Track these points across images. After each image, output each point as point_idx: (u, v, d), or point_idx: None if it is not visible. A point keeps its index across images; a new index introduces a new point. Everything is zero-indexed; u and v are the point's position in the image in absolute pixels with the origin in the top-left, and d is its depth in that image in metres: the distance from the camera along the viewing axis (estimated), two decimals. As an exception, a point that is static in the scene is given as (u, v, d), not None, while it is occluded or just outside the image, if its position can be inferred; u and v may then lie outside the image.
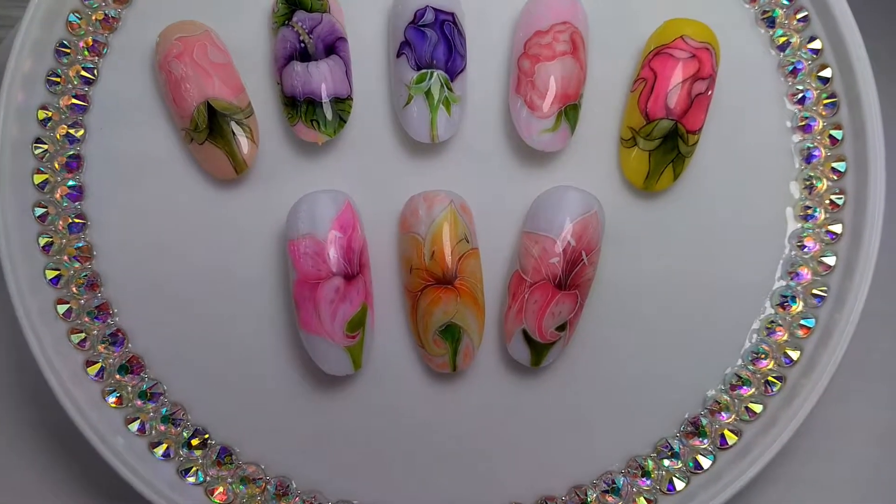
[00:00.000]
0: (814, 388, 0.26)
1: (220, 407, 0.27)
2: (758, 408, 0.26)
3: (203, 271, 0.27)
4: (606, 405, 0.27)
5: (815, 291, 0.27)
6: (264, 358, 0.27)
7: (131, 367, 0.27)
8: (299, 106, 0.26)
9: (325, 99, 0.26)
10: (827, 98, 0.28)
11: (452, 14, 0.26)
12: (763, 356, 0.27)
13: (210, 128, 0.26)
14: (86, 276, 0.27)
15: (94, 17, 0.28)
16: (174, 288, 0.27)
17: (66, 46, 0.27)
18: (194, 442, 0.26)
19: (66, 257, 0.27)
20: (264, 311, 0.27)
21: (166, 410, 0.27)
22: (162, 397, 0.27)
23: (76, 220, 0.27)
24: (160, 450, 0.26)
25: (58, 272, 0.27)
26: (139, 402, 0.27)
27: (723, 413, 0.27)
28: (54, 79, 0.27)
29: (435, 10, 0.26)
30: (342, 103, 0.26)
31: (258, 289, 0.27)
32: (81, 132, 0.27)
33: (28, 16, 0.27)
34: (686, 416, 0.27)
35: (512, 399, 0.27)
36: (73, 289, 0.27)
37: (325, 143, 0.26)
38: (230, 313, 0.27)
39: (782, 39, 0.28)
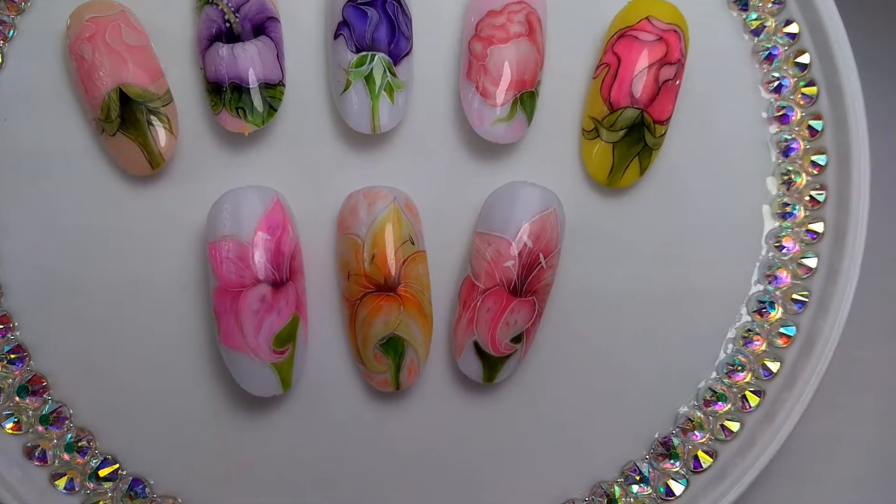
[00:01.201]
0: (796, 403, 0.25)
1: (132, 433, 0.26)
2: (734, 426, 0.26)
3: (115, 279, 0.26)
4: (567, 425, 0.26)
5: (795, 296, 0.26)
6: (182, 377, 0.26)
7: (33, 387, 0.25)
8: (224, 92, 0.25)
9: (252, 84, 0.25)
10: (805, 86, 0.27)
11: None
12: (740, 368, 0.26)
13: (123, 117, 0.25)
14: None
15: None
16: (83, 298, 0.26)
17: None
18: (103, 472, 0.25)
19: None
20: (183, 324, 0.26)
21: (71, 437, 0.25)
22: (67, 422, 0.25)
23: None
24: (63, 482, 0.25)
25: None
26: (41, 428, 0.25)
27: (696, 432, 0.26)
28: None
29: None
30: (272, 89, 0.25)
31: (176, 298, 0.26)
32: None
33: None
34: (656, 435, 0.26)
35: (462, 420, 0.26)
36: None
37: (253, 133, 0.25)
38: (145, 326, 0.26)
39: (756, 23, 0.27)
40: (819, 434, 0.30)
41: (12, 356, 0.25)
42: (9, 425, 0.25)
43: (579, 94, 0.27)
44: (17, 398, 0.25)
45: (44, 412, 0.25)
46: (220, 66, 0.25)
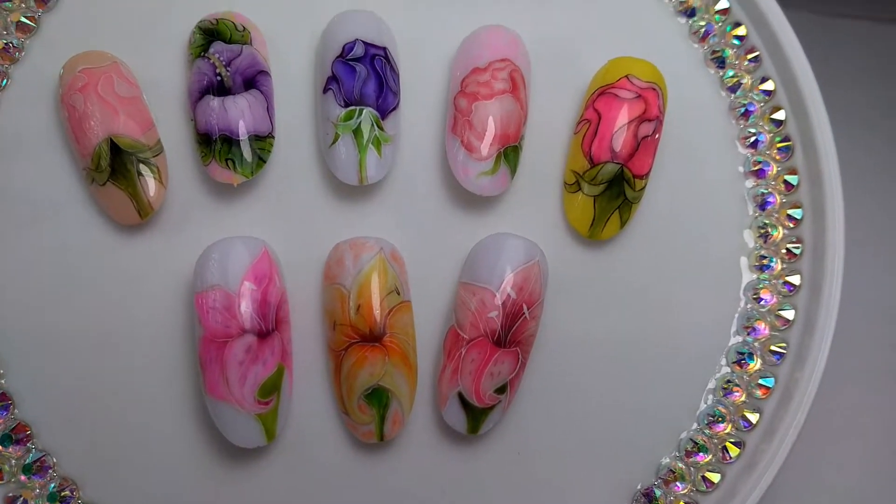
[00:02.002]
0: (776, 453, 0.25)
1: (116, 482, 0.25)
2: (715, 477, 0.26)
3: (102, 328, 0.26)
4: (551, 476, 0.26)
5: (773, 348, 0.27)
6: (167, 427, 0.25)
7: (17, 436, 0.25)
8: (214, 144, 0.25)
9: (242, 136, 0.25)
10: (781, 142, 0.28)
11: (384, 48, 0.26)
12: (720, 419, 0.26)
13: (113, 167, 0.25)
14: None
15: None
16: (70, 346, 0.26)
17: None
18: None
19: None
20: (168, 374, 0.26)
21: (54, 486, 0.25)
22: (51, 471, 0.25)
23: None
24: None
25: None
26: (23, 478, 0.25)
27: (678, 483, 0.26)
28: None
29: (365, 43, 0.25)
30: (262, 141, 0.25)
31: (162, 348, 0.26)
32: None
33: None
34: (638, 487, 0.26)
35: (447, 471, 0.26)
36: None
37: (242, 184, 0.25)
38: (131, 375, 0.26)
39: (733, 80, 0.28)
40: (799, 484, 0.30)
41: None
42: None
43: (561, 148, 0.27)
44: (0, 447, 0.25)
45: (27, 461, 0.25)
46: (210, 118, 0.25)
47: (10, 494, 0.25)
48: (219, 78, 0.25)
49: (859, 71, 0.38)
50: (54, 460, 0.25)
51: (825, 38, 0.41)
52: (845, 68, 0.38)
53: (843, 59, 0.39)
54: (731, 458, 0.26)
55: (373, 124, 0.25)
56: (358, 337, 0.24)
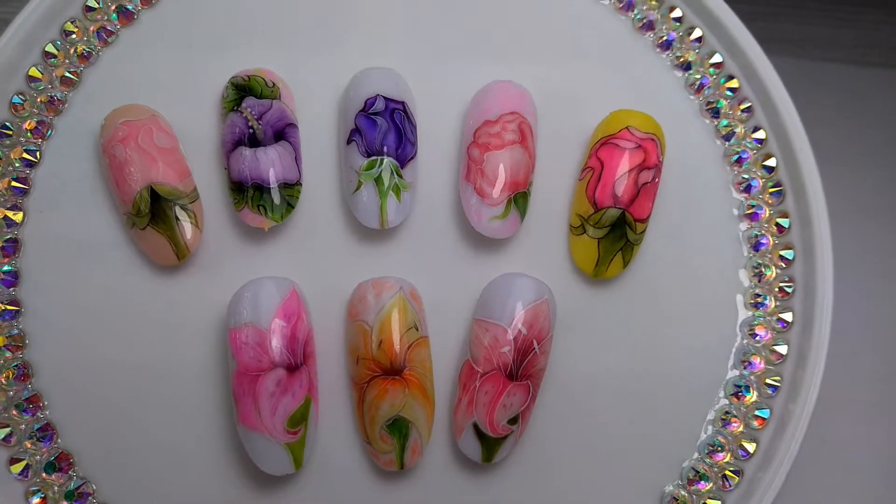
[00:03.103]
0: (772, 482, 0.26)
1: None
2: None
3: (141, 362, 0.26)
4: (561, 503, 0.26)
5: (768, 381, 0.27)
6: (201, 455, 0.26)
7: (59, 464, 0.26)
8: (246, 191, 0.26)
9: (272, 184, 0.26)
10: (772, 187, 0.28)
11: (403, 103, 0.27)
12: (720, 449, 0.27)
13: (153, 213, 0.26)
14: (16, 365, 0.26)
15: (39, 99, 0.27)
16: (109, 379, 0.26)
17: (7, 128, 0.27)
18: None
19: None
20: (203, 405, 0.26)
21: None
22: (90, 498, 0.26)
23: (9, 307, 0.26)
24: None
25: None
26: (65, 503, 0.26)
27: None
28: None
29: (385, 98, 0.26)
30: (291, 189, 0.26)
31: (197, 381, 0.26)
32: (20, 215, 0.27)
33: None
34: None
35: (463, 498, 0.26)
36: (2, 379, 0.26)
37: (272, 228, 0.26)
38: (167, 407, 0.26)
39: (727, 129, 0.29)
40: None
41: (41, 434, 0.26)
42: (35, 501, 0.25)
43: (567, 194, 0.28)
44: (44, 474, 0.25)
45: (69, 488, 0.25)
46: (243, 168, 0.26)
47: None
48: (251, 130, 0.26)
49: (843, 112, 0.39)
50: (94, 487, 0.26)
51: (811, 82, 0.43)
52: (830, 110, 0.39)
53: (828, 101, 0.41)
54: (730, 485, 0.26)
55: (392, 173, 0.26)
56: (380, 370, 0.25)
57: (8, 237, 0.27)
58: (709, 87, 0.29)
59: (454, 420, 0.26)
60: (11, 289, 0.26)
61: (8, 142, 0.27)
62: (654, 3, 0.29)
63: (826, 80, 0.43)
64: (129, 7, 0.28)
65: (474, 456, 0.25)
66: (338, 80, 0.28)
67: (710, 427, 0.27)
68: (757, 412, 0.27)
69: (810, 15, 0.49)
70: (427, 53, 0.29)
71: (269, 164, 0.26)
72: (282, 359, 0.24)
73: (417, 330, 0.25)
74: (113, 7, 0.28)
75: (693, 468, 0.27)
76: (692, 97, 0.29)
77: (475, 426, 0.25)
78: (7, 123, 0.27)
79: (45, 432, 0.26)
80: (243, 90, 0.27)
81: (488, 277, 0.26)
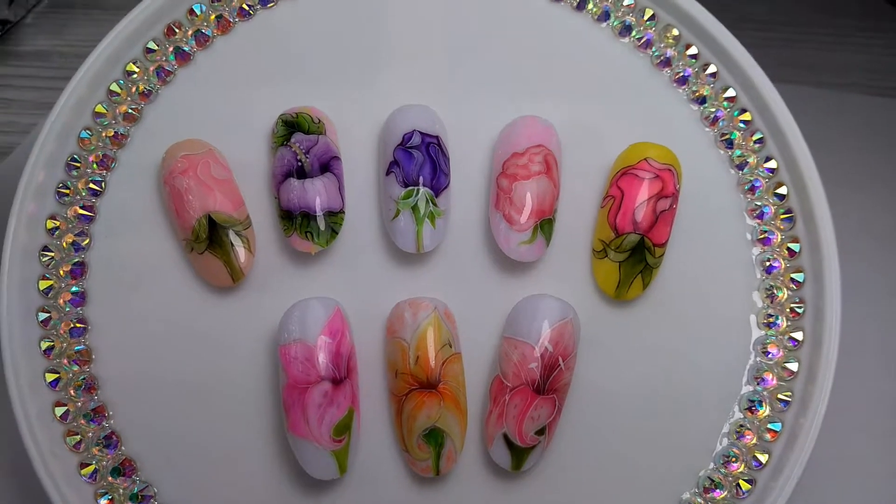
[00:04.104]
0: (782, 490, 0.26)
1: None
2: None
3: (197, 375, 0.27)
4: None
5: (780, 396, 0.28)
6: (253, 461, 0.27)
7: (124, 469, 0.27)
8: (295, 218, 0.27)
9: (319, 212, 0.27)
10: (784, 213, 0.29)
11: (437, 137, 0.28)
12: (734, 459, 0.27)
13: (210, 238, 0.27)
14: (84, 378, 0.27)
15: (104, 134, 0.29)
16: (168, 391, 0.27)
17: (76, 160, 0.28)
18: None
19: (65, 360, 0.27)
20: (254, 415, 0.27)
21: None
22: (152, 500, 0.27)
23: (77, 325, 0.28)
24: None
25: (57, 375, 0.27)
26: None
27: None
28: (64, 190, 0.28)
29: (421, 133, 0.27)
30: (335, 216, 0.27)
31: (249, 392, 0.27)
32: (87, 241, 0.28)
33: (45, 131, 0.28)
34: None
35: (493, 503, 0.27)
36: (71, 391, 0.27)
37: (318, 252, 0.27)
38: (222, 417, 0.27)
39: (740, 159, 0.29)
40: None
41: (107, 441, 0.27)
42: (104, 502, 0.26)
43: (590, 220, 0.29)
44: (110, 478, 0.27)
45: (133, 491, 0.27)
46: (292, 197, 0.27)
47: None
48: (299, 163, 0.27)
49: (854, 138, 0.40)
50: (155, 490, 0.27)
51: (824, 108, 0.43)
52: (842, 135, 0.39)
53: (840, 126, 0.41)
54: (743, 493, 0.27)
55: (428, 201, 0.27)
56: (417, 384, 0.25)
57: (76, 260, 0.28)
58: (723, 120, 0.30)
59: (485, 430, 0.26)
60: (79, 308, 0.28)
61: (76, 173, 0.28)
62: (671, 40, 0.30)
63: (839, 106, 0.44)
64: (186, 49, 0.29)
65: (504, 464, 0.26)
66: (377, 117, 0.29)
67: (725, 439, 0.27)
68: (769, 425, 0.27)
69: (825, 42, 0.50)
70: (459, 91, 0.29)
71: (316, 193, 0.27)
72: (328, 373, 0.25)
73: (451, 347, 0.26)
74: (171, 49, 0.29)
75: (709, 477, 0.27)
76: (707, 129, 0.30)
77: (505, 436, 0.26)
78: (75, 156, 0.28)
79: (111, 440, 0.27)
80: (292, 126, 0.28)
81: (516, 298, 0.27)
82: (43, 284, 0.28)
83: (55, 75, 0.49)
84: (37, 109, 0.47)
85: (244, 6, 0.30)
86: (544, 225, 0.27)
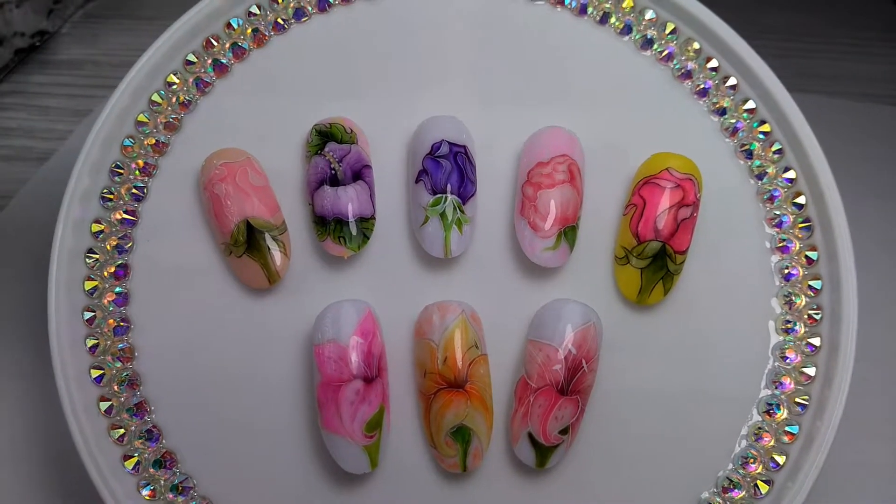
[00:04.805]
0: (799, 491, 0.27)
1: (245, 502, 0.28)
2: None
3: (235, 373, 0.28)
4: None
5: (797, 400, 0.28)
6: (288, 455, 0.28)
7: (165, 461, 0.28)
8: (328, 224, 0.28)
9: (351, 218, 0.28)
10: (802, 222, 0.29)
11: (464, 147, 0.28)
12: (752, 460, 0.28)
13: (248, 243, 0.27)
14: (127, 375, 0.28)
15: (146, 142, 0.30)
16: (207, 388, 0.28)
17: (120, 167, 0.29)
18: None
19: (109, 357, 0.28)
20: (289, 411, 0.28)
21: None
22: (192, 491, 0.28)
23: (121, 324, 0.28)
24: None
25: (101, 371, 0.28)
26: (171, 496, 0.27)
27: None
28: (108, 195, 0.29)
29: (449, 143, 0.28)
30: (366, 222, 0.28)
31: (284, 390, 0.28)
32: (130, 244, 0.29)
33: (90, 139, 0.29)
34: None
35: (518, 499, 0.28)
36: (115, 387, 0.28)
37: (351, 257, 0.28)
38: (258, 413, 0.28)
39: (759, 169, 0.30)
40: None
41: (149, 435, 0.28)
42: (146, 493, 0.27)
43: (612, 228, 0.29)
44: (152, 470, 0.27)
45: (173, 483, 0.27)
46: (326, 204, 0.28)
47: None
48: (332, 171, 0.28)
49: (872, 147, 0.40)
50: (195, 482, 0.28)
51: (842, 117, 0.44)
52: (860, 145, 0.39)
53: (859, 136, 0.41)
54: (761, 493, 0.27)
55: (455, 208, 0.27)
56: (444, 384, 0.26)
57: (119, 262, 0.29)
58: (743, 131, 0.30)
59: (511, 429, 0.27)
60: (122, 307, 0.28)
61: (119, 179, 0.29)
62: (692, 54, 0.30)
63: (858, 117, 0.44)
64: (223, 61, 0.30)
65: (529, 462, 0.27)
66: (406, 127, 0.29)
67: (743, 441, 0.28)
68: (787, 428, 0.28)
69: (844, 52, 0.51)
70: (485, 102, 0.30)
71: (348, 200, 0.28)
72: (360, 371, 0.26)
73: (478, 348, 0.27)
74: (209, 61, 0.30)
75: (727, 477, 0.28)
76: (727, 140, 0.30)
77: (530, 435, 0.26)
78: (119, 163, 0.29)
79: (152, 433, 0.28)
80: (325, 136, 0.28)
81: (541, 302, 0.28)
82: (88, 285, 0.29)
83: (89, 83, 0.51)
84: (73, 116, 0.49)
85: (279, 20, 0.31)
86: (568, 232, 0.28)
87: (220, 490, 0.28)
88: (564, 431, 0.26)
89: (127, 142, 0.30)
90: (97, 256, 0.29)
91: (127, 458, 0.28)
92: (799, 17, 0.52)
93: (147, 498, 0.27)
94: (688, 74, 0.31)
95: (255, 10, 0.30)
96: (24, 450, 0.34)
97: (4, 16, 0.47)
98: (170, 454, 0.28)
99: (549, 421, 0.26)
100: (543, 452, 0.26)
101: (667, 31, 0.31)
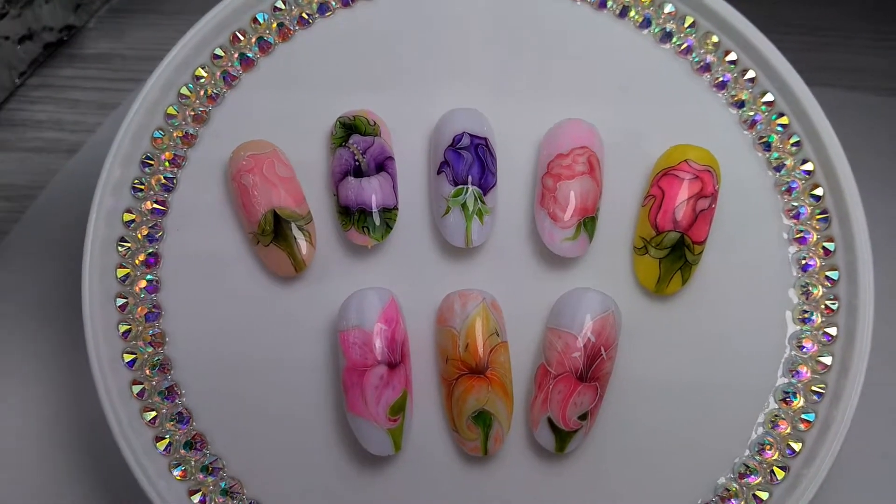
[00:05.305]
0: (814, 476, 0.27)
1: (273, 483, 0.28)
2: (764, 495, 0.27)
3: (262, 358, 0.28)
4: (625, 490, 0.28)
5: (814, 388, 0.28)
6: (314, 438, 0.28)
7: (195, 443, 0.28)
8: (352, 214, 0.28)
9: (374, 209, 0.28)
10: (819, 214, 0.29)
11: (485, 139, 0.29)
12: (768, 447, 0.28)
13: (275, 232, 0.28)
14: (158, 360, 0.29)
15: (175, 134, 0.30)
16: (235, 371, 0.28)
17: (150, 158, 0.30)
18: None
19: (141, 342, 0.29)
20: (315, 395, 0.28)
21: (225, 484, 0.28)
22: (221, 472, 0.28)
23: (152, 310, 0.29)
24: None
25: (134, 356, 0.29)
26: (201, 476, 0.28)
27: (732, 500, 0.27)
28: (139, 186, 0.30)
29: (470, 135, 0.28)
30: (389, 213, 0.28)
31: (311, 374, 0.28)
32: (160, 233, 0.30)
33: (121, 131, 0.29)
34: (699, 502, 0.28)
35: (538, 482, 0.28)
36: (147, 371, 0.29)
37: (374, 246, 0.28)
38: (285, 396, 0.28)
39: (777, 161, 0.30)
40: (836, 502, 0.31)
41: (179, 417, 0.28)
42: (177, 473, 0.28)
43: (631, 219, 0.29)
44: (182, 451, 0.28)
45: (204, 463, 0.28)
46: (350, 195, 0.28)
47: (192, 489, 0.28)
48: (356, 163, 0.28)
49: (885, 140, 0.40)
50: (224, 463, 0.28)
51: (861, 111, 0.43)
52: (878, 139, 0.39)
53: (877, 130, 0.41)
54: (777, 479, 0.27)
55: (476, 199, 0.28)
56: (466, 370, 0.26)
57: (150, 251, 0.29)
58: (761, 124, 0.30)
59: (531, 414, 0.27)
60: (153, 294, 0.29)
61: (149, 170, 0.30)
62: (711, 47, 0.31)
63: (876, 110, 0.44)
64: (250, 55, 0.30)
65: (548, 446, 0.27)
66: (428, 120, 0.30)
67: (760, 428, 0.28)
68: (803, 416, 0.28)
69: (862, 46, 0.51)
70: (506, 95, 0.30)
71: (372, 191, 0.28)
72: (384, 357, 0.26)
73: (498, 335, 0.27)
74: (236, 55, 0.30)
75: (744, 464, 0.28)
76: (746, 132, 0.30)
77: (549, 420, 0.27)
78: (149, 154, 0.30)
79: (183, 416, 0.28)
80: (349, 128, 0.29)
81: (560, 291, 0.28)
82: (120, 272, 0.29)
83: (116, 77, 0.52)
84: (101, 109, 0.50)
85: (303, 15, 0.31)
86: (587, 222, 0.28)
87: (249, 471, 0.28)
88: (583, 417, 0.27)
89: (157, 134, 0.30)
90: (129, 245, 0.29)
91: (159, 439, 0.28)
92: (818, 11, 0.52)
93: (178, 478, 0.28)
94: (707, 67, 0.31)
95: (280, 4, 0.31)
96: (59, 431, 0.35)
97: (34, 11, 0.48)
98: (200, 436, 0.29)
99: (569, 407, 0.26)
100: (563, 437, 0.27)
101: (686, 25, 0.31)
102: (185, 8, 0.56)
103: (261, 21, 0.31)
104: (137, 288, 0.29)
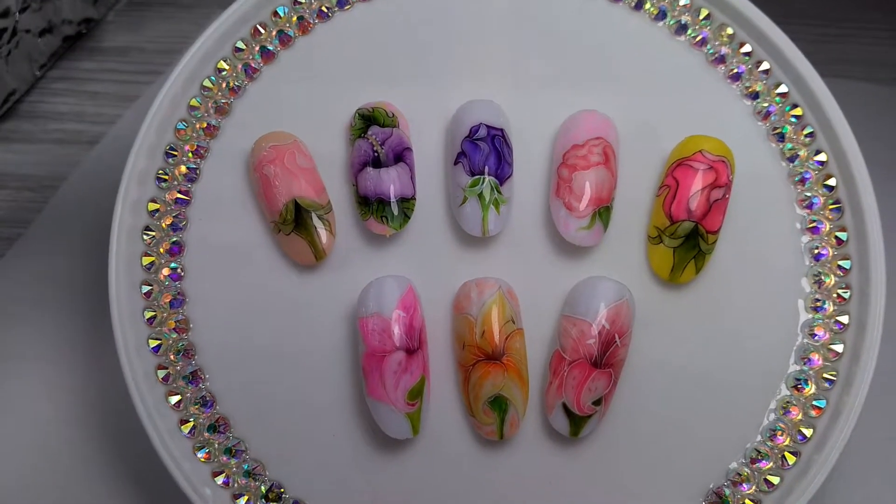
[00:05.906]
0: (825, 462, 0.27)
1: (294, 465, 0.29)
2: (776, 480, 0.28)
3: (284, 343, 0.29)
4: (638, 474, 0.28)
5: (825, 375, 0.28)
6: (334, 421, 0.29)
7: (218, 426, 0.29)
8: (371, 204, 0.28)
9: (393, 199, 0.28)
10: (832, 204, 0.30)
11: (502, 130, 0.29)
12: (780, 433, 0.28)
13: (296, 221, 0.28)
14: (182, 345, 0.29)
15: (198, 126, 0.30)
16: (258, 357, 0.29)
17: (174, 150, 0.30)
18: (271, 495, 0.28)
19: (166, 329, 0.29)
20: (335, 380, 0.29)
21: (248, 466, 0.29)
22: (244, 454, 0.29)
23: (177, 297, 0.29)
24: (242, 501, 0.28)
25: (159, 341, 0.29)
26: (224, 458, 0.29)
27: (744, 484, 0.28)
28: (163, 176, 0.30)
29: (487, 126, 0.29)
30: (407, 202, 0.29)
31: (331, 359, 0.29)
32: (184, 222, 0.30)
33: (146, 123, 0.30)
34: (711, 486, 0.28)
35: (553, 466, 0.28)
36: (171, 356, 0.29)
37: (392, 235, 0.29)
38: (306, 381, 0.29)
39: (791, 152, 0.30)
40: (845, 486, 0.32)
41: (203, 401, 0.29)
42: (201, 455, 0.28)
43: (645, 208, 0.29)
44: (206, 434, 0.29)
45: (227, 446, 0.29)
46: (368, 185, 0.28)
47: (216, 470, 0.28)
48: (375, 154, 0.28)
49: (894, 131, 0.40)
50: (246, 446, 0.29)
51: (877, 103, 0.43)
52: (884, 128, 0.39)
53: (885, 120, 0.41)
54: (788, 464, 0.28)
55: (493, 189, 0.28)
56: (482, 356, 0.27)
57: (174, 240, 0.30)
58: (775, 115, 0.30)
59: (546, 400, 0.28)
60: (177, 282, 0.29)
61: (173, 161, 0.30)
62: (725, 39, 0.31)
63: (889, 101, 0.44)
64: (270, 48, 0.31)
65: (563, 431, 0.27)
66: (446, 111, 0.30)
67: (772, 414, 0.28)
68: (814, 402, 0.28)
69: (876, 37, 0.50)
70: (522, 87, 0.30)
71: (390, 181, 0.28)
72: (402, 343, 0.26)
73: (514, 323, 0.27)
74: (257, 48, 0.31)
75: (756, 449, 0.28)
76: (760, 123, 0.30)
77: (564, 405, 0.27)
78: (173, 145, 0.30)
79: (206, 400, 0.29)
80: (368, 120, 0.29)
81: (575, 279, 0.28)
82: (146, 261, 0.30)
83: (135, 69, 0.52)
84: (121, 101, 0.50)
85: (323, 8, 0.32)
86: (602, 212, 0.28)
87: (271, 453, 0.29)
88: (598, 402, 0.27)
89: (180, 125, 0.30)
90: (153, 234, 0.30)
91: (183, 422, 0.29)
92: (832, 2, 0.52)
93: (203, 460, 0.29)
94: (721, 59, 0.31)
95: (300, -2, 0.32)
96: (86, 416, 0.36)
97: (54, 4, 0.49)
98: (223, 419, 0.29)
99: (583, 392, 0.27)
100: (577, 422, 0.27)
101: (701, 17, 0.31)
102: (201, 1, 0.57)
103: (281, 14, 0.31)
104: (162, 276, 0.30)
